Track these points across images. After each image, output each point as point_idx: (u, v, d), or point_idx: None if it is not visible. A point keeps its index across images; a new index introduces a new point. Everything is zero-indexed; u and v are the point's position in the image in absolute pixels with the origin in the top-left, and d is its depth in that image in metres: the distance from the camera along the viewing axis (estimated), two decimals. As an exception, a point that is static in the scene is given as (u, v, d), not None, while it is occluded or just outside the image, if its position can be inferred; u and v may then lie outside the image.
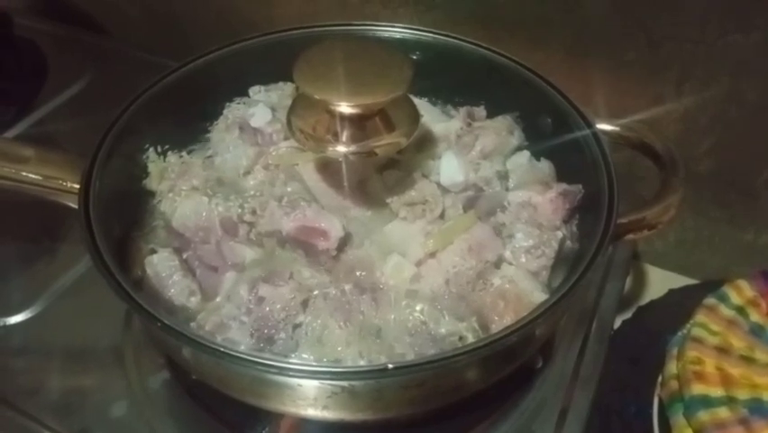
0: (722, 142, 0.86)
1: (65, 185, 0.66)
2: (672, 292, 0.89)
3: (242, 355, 0.49)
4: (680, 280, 0.94)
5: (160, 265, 0.63)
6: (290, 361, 0.51)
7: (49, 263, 0.86)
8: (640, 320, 0.87)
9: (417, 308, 0.60)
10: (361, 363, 0.58)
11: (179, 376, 0.70)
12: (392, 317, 0.60)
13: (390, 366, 0.48)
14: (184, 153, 0.74)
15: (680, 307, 0.83)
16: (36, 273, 0.84)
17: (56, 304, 0.80)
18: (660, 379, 0.78)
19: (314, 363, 0.53)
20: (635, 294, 0.94)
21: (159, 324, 0.51)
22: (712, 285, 0.82)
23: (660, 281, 0.95)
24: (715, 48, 0.79)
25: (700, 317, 0.77)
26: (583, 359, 0.69)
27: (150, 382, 0.71)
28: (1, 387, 0.71)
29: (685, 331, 0.78)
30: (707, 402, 0.69)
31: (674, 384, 0.74)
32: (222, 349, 0.49)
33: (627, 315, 0.87)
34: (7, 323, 0.78)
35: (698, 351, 0.73)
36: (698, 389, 0.70)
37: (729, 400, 0.68)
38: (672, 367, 0.76)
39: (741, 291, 0.77)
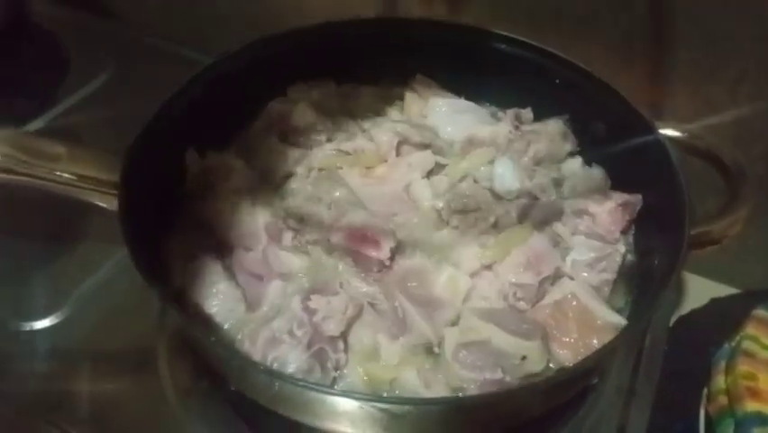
0: (775, 147, 0.83)
1: (100, 185, 0.62)
2: (714, 302, 0.86)
3: (318, 388, 0.47)
4: (720, 289, 0.91)
5: (203, 273, 0.60)
6: (360, 394, 0.48)
7: (72, 263, 0.82)
8: (682, 331, 0.84)
9: (476, 323, 0.57)
10: (417, 380, 0.55)
11: (217, 385, 0.67)
12: (449, 332, 0.57)
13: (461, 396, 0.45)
14: (224, 154, 0.70)
15: (723, 317, 0.80)
16: (61, 275, 0.80)
17: (83, 307, 0.76)
18: (705, 393, 0.76)
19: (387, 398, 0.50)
20: (675, 303, 0.90)
21: (232, 357, 0.48)
22: (757, 295, 0.79)
23: (700, 290, 0.92)
24: (775, 48, 0.76)
25: (750, 329, 0.74)
26: (638, 375, 0.66)
27: (186, 392, 0.68)
28: (27, 396, 0.68)
29: (733, 344, 0.75)
30: (762, 420, 0.67)
31: (723, 400, 0.72)
32: (301, 384, 0.46)
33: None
34: (33, 328, 0.74)
35: (750, 365, 0.71)
36: (752, 406, 0.68)
37: (785, 419, 0.66)
38: (719, 381, 0.73)
39: (791, 302, 0.75)
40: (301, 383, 0.48)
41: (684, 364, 0.79)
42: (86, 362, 0.72)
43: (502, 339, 0.55)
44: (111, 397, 0.69)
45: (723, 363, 0.75)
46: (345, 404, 0.48)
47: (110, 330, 0.74)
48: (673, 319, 0.84)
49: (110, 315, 0.75)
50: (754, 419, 0.67)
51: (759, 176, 0.84)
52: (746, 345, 0.73)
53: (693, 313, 0.86)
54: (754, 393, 0.68)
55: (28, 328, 0.74)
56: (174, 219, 0.66)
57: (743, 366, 0.71)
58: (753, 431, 0.66)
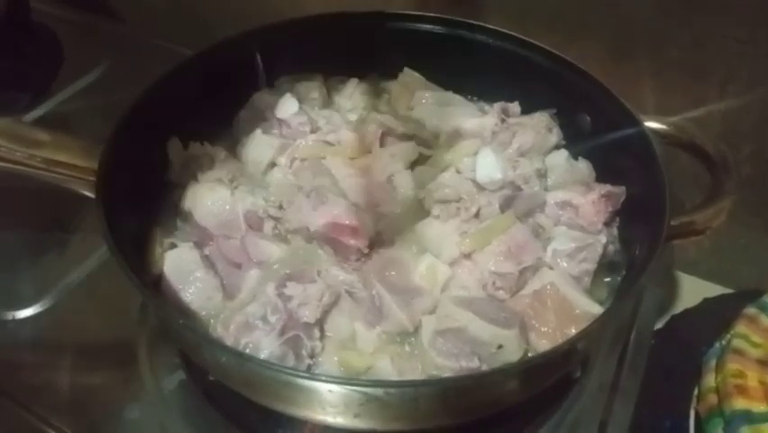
0: (764, 148, 0.82)
1: (81, 173, 0.62)
2: (707, 301, 0.85)
3: (288, 372, 0.46)
4: (712, 289, 0.90)
5: (181, 260, 0.60)
6: (330, 377, 0.48)
7: (60, 255, 0.82)
8: (674, 330, 0.83)
9: (453, 310, 0.56)
10: (391, 368, 0.54)
11: (196, 377, 0.67)
12: (426, 320, 0.57)
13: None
14: (206, 143, 0.70)
15: (715, 316, 0.79)
16: (47, 265, 0.80)
17: (67, 298, 0.76)
18: (696, 392, 0.74)
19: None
20: (667, 302, 0.89)
21: (202, 340, 0.48)
22: (749, 294, 0.78)
23: (692, 290, 0.91)
24: (763, 49, 0.75)
25: (741, 327, 0.73)
26: (622, 370, 0.65)
27: (164, 383, 0.67)
28: (8, 383, 0.68)
29: (724, 342, 0.74)
30: (750, 418, 0.66)
31: (713, 398, 0.70)
32: (272, 368, 0.46)
33: (659, 324, 0.83)
34: (16, 317, 0.74)
35: (739, 363, 0.70)
36: (740, 403, 0.67)
37: (773, 417, 0.65)
38: (709, 380, 0.72)
39: (783, 301, 0.74)
40: (274, 367, 0.47)
41: (677, 363, 0.78)
42: (67, 352, 0.72)
43: (479, 327, 0.55)
44: (91, 387, 0.69)
45: (713, 362, 0.73)
46: (317, 388, 0.47)
47: (92, 321, 0.75)
48: (666, 318, 0.83)
49: (93, 306, 0.75)
50: (742, 417, 0.66)
51: (746, 175, 0.83)
52: (736, 342, 0.72)
53: (686, 312, 0.85)
54: (743, 391, 0.67)
55: (11, 318, 0.74)
56: (154, 207, 0.66)
57: (732, 364, 0.70)
58: (741, 429, 0.65)
